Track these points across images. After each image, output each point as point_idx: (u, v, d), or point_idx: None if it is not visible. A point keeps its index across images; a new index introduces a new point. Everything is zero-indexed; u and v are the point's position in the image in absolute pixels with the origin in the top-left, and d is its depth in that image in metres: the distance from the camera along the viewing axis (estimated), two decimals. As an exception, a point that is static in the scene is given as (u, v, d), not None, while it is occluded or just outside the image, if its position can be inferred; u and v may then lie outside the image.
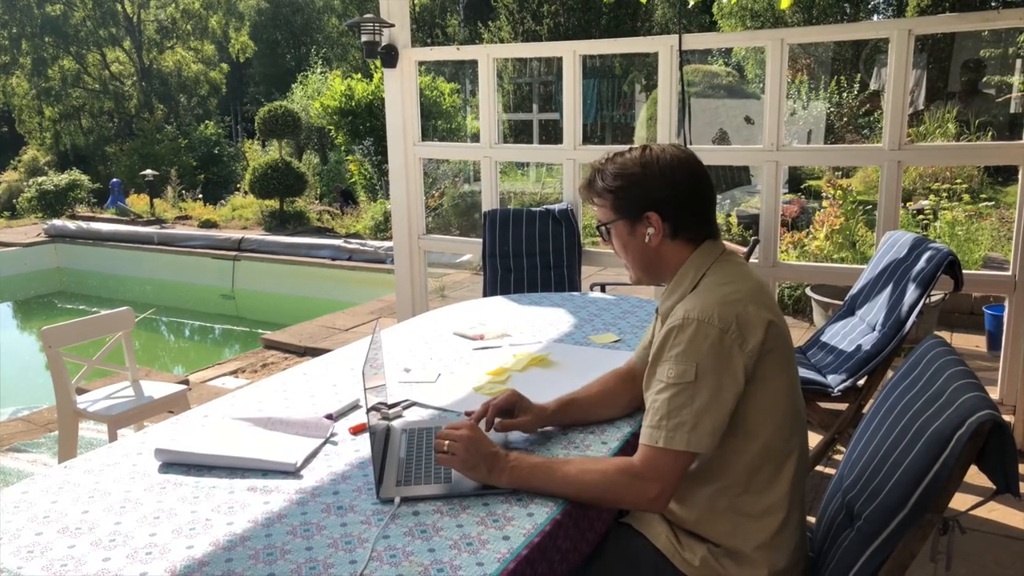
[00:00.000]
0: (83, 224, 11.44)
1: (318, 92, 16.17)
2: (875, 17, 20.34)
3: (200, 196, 14.40)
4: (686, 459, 1.37)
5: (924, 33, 3.76)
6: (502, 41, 17.97)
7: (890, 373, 2.07)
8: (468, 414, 1.76)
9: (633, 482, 1.37)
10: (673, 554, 1.48)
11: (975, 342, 4.78)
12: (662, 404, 1.37)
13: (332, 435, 1.70)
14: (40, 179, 14.80)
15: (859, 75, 12.44)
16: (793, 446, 1.47)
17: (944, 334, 4.82)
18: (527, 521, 1.33)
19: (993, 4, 13.65)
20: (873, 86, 13.05)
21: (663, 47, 3.78)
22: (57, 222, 11.66)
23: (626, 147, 1.57)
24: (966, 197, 6.53)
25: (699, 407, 1.35)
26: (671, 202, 1.50)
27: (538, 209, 4.13)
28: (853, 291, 3.04)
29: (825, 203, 6.06)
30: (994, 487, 1.23)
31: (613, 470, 1.39)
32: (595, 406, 1.74)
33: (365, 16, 4.16)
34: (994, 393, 3.43)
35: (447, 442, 1.43)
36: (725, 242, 1.61)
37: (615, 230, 1.55)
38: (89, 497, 1.44)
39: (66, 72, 23.28)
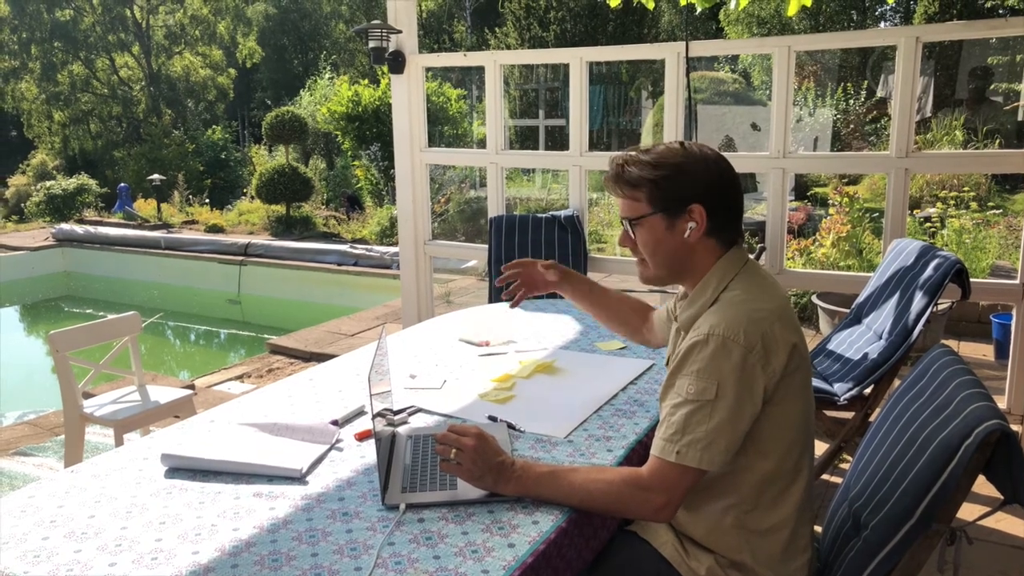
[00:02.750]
0: (91, 228, 11.48)
1: (325, 97, 16.21)
2: (882, 24, 20.33)
3: (207, 201, 14.45)
4: (696, 475, 1.35)
5: (931, 40, 3.76)
6: (509, 47, 18.02)
7: (897, 382, 2.06)
8: (492, 419, 1.77)
9: (640, 493, 1.36)
10: (679, 563, 1.48)
11: (982, 351, 4.76)
12: (679, 419, 1.35)
13: (338, 441, 1.70)
14: (48, 183, 14.89)
15: (866, 82, 12.43)
16: (803, 465, 1.46)
17: (951, 343, 4.80)
18: (532, 529, 1.33)
19: (1000, 12, 13.62)
20: (880, 93, 13.04)
21: (670, 54, 3.79)
22: (65, 226, 11.71)
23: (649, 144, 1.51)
24: (973, 205, 6.52)
25: (716, 425, 1.33)
26: (717, 194, 1.42)
27: (544, 215, 4.14)
28: (860, 299, 3.03)
29: (832, 210, 6.04)
30: (1002, 497, 1.23)
31: (620, 480, 1.39)
32: (611, 307, 1.94)
33: (373, 22, 4.18)
34: (1002, 402, 3.42)
35: (453, 450, 1.41)
36: None
37: (648, 225, 1.45)
38: (95, 502, 1.45)
39: (75, 77, 23.42)
